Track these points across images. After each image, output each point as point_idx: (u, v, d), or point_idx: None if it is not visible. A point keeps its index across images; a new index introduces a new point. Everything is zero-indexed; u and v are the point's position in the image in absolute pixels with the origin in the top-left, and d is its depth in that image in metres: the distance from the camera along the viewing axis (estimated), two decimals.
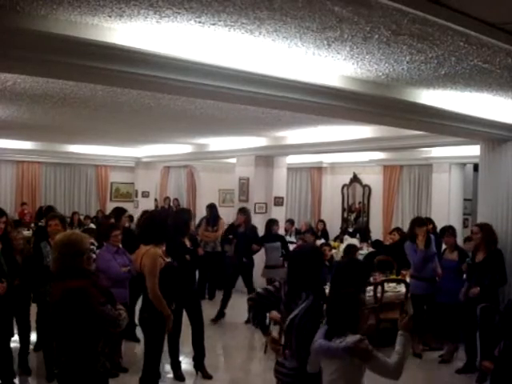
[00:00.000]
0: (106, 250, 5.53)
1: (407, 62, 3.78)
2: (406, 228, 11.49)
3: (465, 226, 10.65)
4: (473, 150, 7.88)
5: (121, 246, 5.64)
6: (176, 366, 5.50)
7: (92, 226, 11.10)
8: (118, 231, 5.64)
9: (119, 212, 6.64)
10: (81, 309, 2.96)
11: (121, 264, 5.43)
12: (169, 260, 4.52)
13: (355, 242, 10.47)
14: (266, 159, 10.01)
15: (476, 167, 8.91)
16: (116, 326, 3.13)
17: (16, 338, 5.40)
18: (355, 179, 13.38)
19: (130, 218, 8.72)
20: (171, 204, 15.31)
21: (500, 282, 5.62)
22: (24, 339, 5.47)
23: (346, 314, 2.94)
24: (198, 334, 5.62)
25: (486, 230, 5.69)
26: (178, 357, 5.53)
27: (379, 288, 6.32)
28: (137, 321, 4.94)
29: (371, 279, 6.95)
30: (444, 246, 6.70)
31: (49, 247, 5.18)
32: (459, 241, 6.82)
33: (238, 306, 8.52)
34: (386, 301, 6.41)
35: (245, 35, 3.28)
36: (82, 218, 12.96)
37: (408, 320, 2.96)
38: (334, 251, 8.92)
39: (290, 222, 11.58)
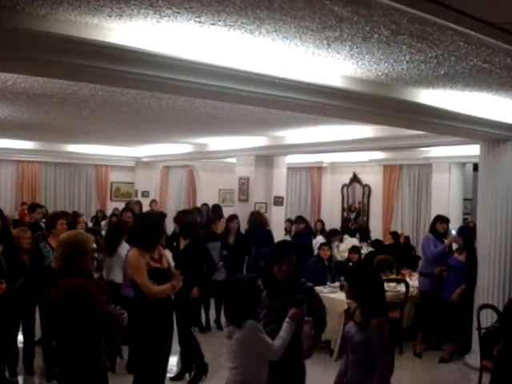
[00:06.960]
0: None
1: (407, 62, 3.78)
2: (405, 228, 11.59)
3: None
4: (473, 150, 7.88)
5: None
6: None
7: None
8: None
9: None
10: (81, 307, 2.98)
11: None
12: (156, 265, 4.09)
13: (355, 241, 10.47)
14: (265, 159, 10.00)
15: (476, 167, 8.90)
16: (119, 324, 3.19)
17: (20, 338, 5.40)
18: (355, 179, 13.37)
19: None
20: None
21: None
22: (28, 340, 5.40)
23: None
24: None
25: None
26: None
27: None
28: None
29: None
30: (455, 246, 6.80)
31: (48, 247, 5.18)
32: None
33: None
34: (386, 300, 6.40)
35: (244, 35, 3.27)
36: (84, 218, 12.86)
37: (297, 311, 3.22)
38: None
39: (290, 221, 11.58)
